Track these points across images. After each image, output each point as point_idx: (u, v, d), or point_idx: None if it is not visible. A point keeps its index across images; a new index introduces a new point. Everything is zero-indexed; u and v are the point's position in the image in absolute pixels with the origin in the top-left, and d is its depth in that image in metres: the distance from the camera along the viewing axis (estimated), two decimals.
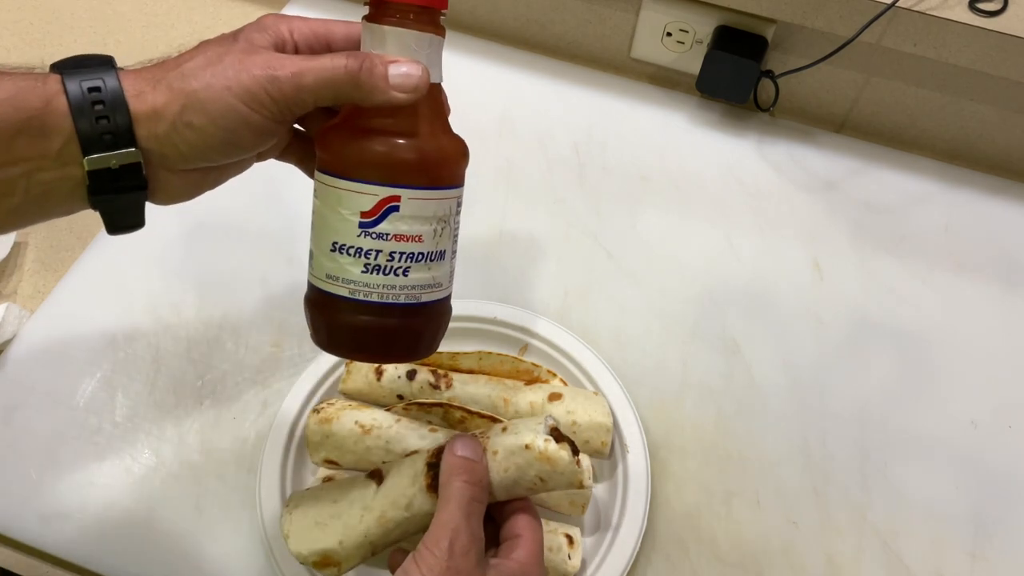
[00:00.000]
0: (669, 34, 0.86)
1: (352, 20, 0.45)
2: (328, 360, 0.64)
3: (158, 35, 0.91)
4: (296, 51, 0.44)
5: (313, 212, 0.45)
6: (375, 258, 0.43)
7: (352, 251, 0.43)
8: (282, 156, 0.50)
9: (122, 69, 0.41)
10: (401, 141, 0.43)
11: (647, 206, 0.80)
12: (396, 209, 0.43)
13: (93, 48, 0.89)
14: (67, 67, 0.40)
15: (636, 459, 0.60)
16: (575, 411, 0.60)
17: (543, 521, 0.56)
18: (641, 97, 0.90)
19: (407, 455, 0.54)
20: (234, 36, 0.42)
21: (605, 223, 0.78)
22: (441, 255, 0.46)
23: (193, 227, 0.74)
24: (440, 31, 0.44)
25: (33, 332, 0.67)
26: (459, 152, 0.46)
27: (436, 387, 0.62)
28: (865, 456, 0.65)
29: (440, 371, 0.62)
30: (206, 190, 0.45)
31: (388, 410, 0.61)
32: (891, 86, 0.84)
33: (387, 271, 0.43)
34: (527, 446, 0.48)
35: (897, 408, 0.68)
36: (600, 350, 0.66)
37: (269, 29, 0.43)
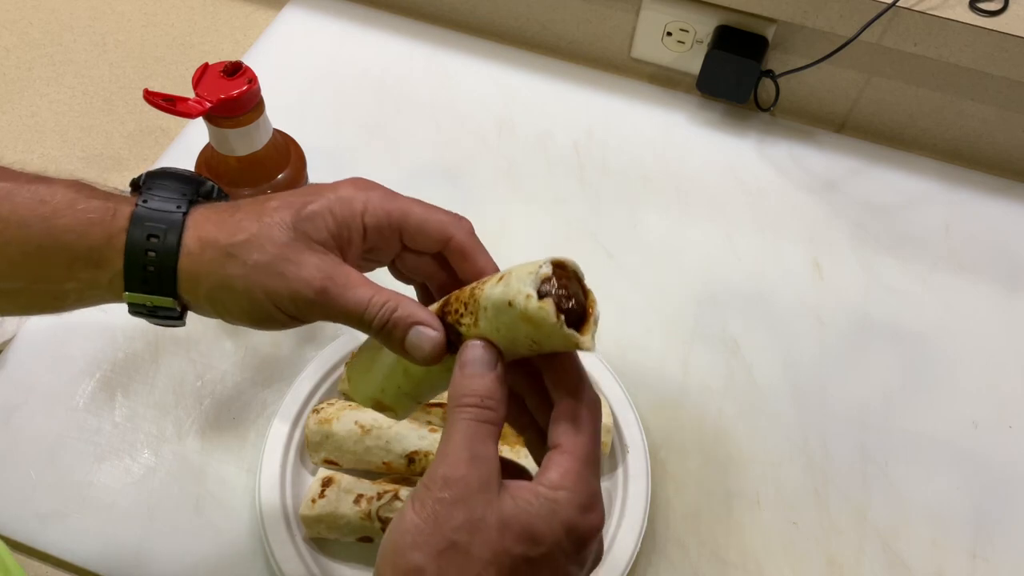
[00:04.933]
0: (669, 34, 0.86)
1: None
2: (328, 360, 0.64)
3: (158, 35, 0.91)
4: (364, 233, 0.41)
5: None
6: None
7: None
8: None
9: (202, 202, 0.41)
10: (270, 192, 0.54)
11: (647, 206, 0.80)
12: None
13: (92, 47, 0.89)
14: (150, 191, 0.41)
15: (636, 459, 0.60)
16: None
17: None
18: (641, 97, 0.90)
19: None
20: (299, 211, 0.40)
21: (605, 223, 0.78)
22: None
23: None
24: None
25: (33, 332, 0.67)
26: (302, 171, 0.64)
27: None
28: (865, 456, 0.65)
29: None
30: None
31: None
32: (892, 86, 0.83)
33: None
34: (510, 303, 0.37)
35: (897, 408, 0.68)
36: (600, 350, 0.66)
37: (337, 211, 0.40)
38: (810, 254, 0.77)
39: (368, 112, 0.85)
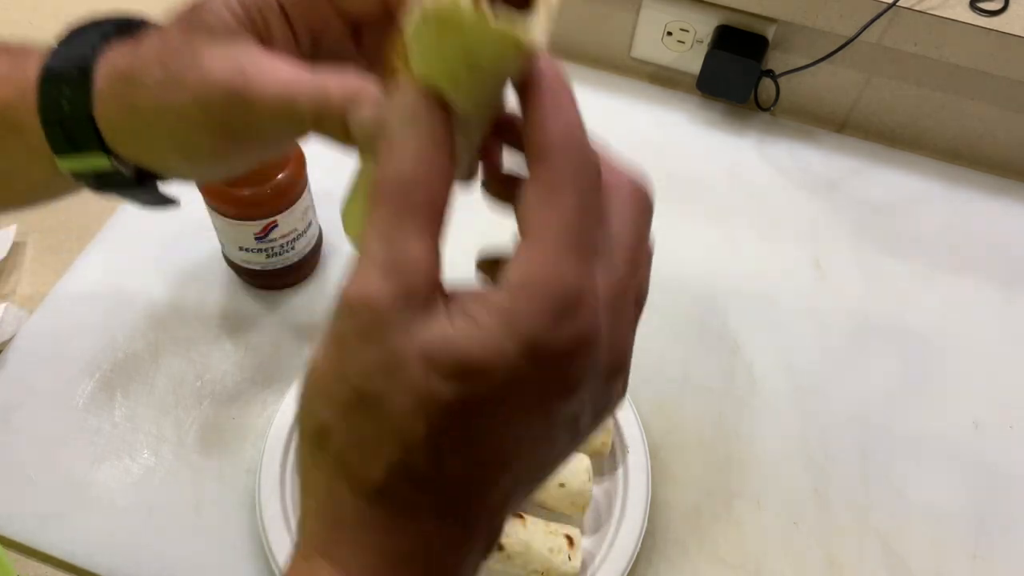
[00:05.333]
0: (670, 33, 0.86)
1: None
2: None
3: None
4: (281, 10, 0.33)
5: (216, 227, 0.65)
6: (268, 250, 0.65)
7: (254, 250, 0.65)
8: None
9: (110, 42, 0.34)
10: (270, 191, 0.61)
11: None
12: (276, 226, 0.64)
13: None
14: (67, 40, 0.35)
15: (636, 460, 0.60)
16: None
17: (542, 523, 0.56)
18: (641, 96, 0.90)
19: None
20: (194, 8, 0.32)
21: None
22: (308, 225, 0.67)
23: (192, 227, 0.74)
24: None
25: (32, 332, 0.67)
26: (302, 172, 0.64)
27: None
28: (866, 456, 0.65)
29: None
30: (239, 171, 0.36)
31: None
32: (892, 85, 0.83)
33: (280, 253, 0.66)
34: (422, 17, 0.25)
35: (898, 408, 0.68)
36: None
37: None
38: (810, 254, 0.77)
39: None
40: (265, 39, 0.32)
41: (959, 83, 0.81)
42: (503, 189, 0.31)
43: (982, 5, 0.74)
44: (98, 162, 0.34)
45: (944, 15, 0.73)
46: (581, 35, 0.91)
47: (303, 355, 0.67)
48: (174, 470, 0.61)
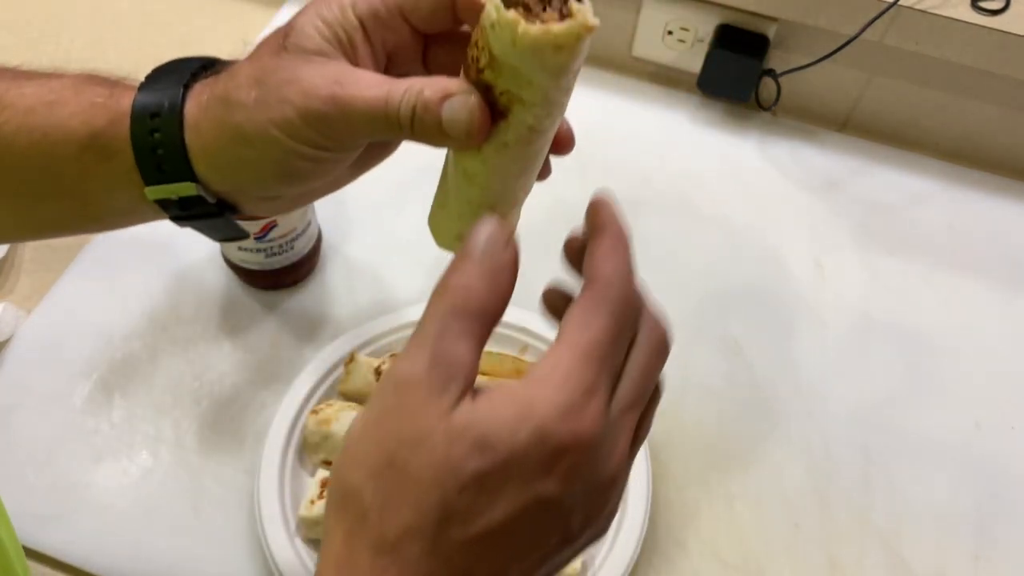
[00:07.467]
0: (670, 32, 0.85)
1: None
2: (327, 361, 0.63)
3: (157, 33, 0.91)
4: (363, 29, 0.36)
5: None
6: (267, 249, 0.65)
7: (253, 249, 0.65)
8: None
9: (197, 79, 0.38)
10: None
11: (648, 205, 0.80)
12: (275, 225, 0.63)
13: (91, 46, 0.89)
14: (154, 77, 0.38)
15: (636, 459, 0.60)
16: None
17: None
18: (642, 96, 0.89)
19: None
20: (285, 34, 0.36)
21: None
22: (308, 225, 0.67)
23: None
24: None
25: (30, 333, 0.67)
26: None
27: None
28: (867, 457, 0.65)
29: None
30: (304, 204, 0.40)
31: None
32: (893, 85, 0.83)
33: (278, 252, 0.66)
34: (491, 25, 0.31)
35: (899, 408, 0.68)
36: None
37: (324, 13, 0.35)
38: (812, 254, 0.77)
39: None
40: (350, 57, 0.35)
41: (960, 82, 0.81)
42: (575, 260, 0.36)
43: (983, 4, 0.74)
44: (185, 189, 0.37)
45: (945, 14, 0.73)
46: None
47: (302, 355, 0.66)
48: (172, 471, 0.61)
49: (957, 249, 0.78)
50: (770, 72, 0.83)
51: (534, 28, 0.30)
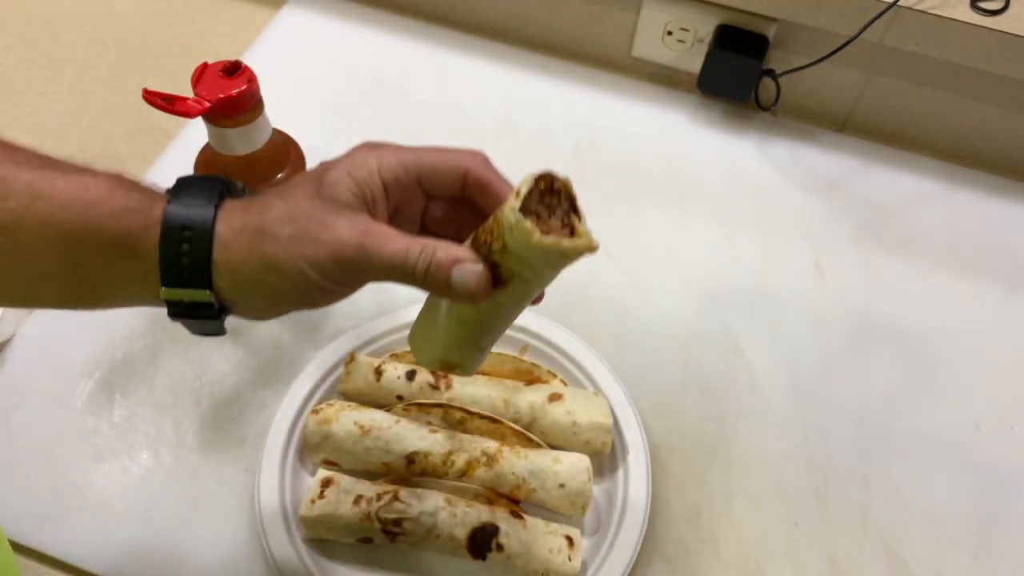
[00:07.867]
0: (670, 33, 0.85)
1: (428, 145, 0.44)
2: (327, 361, 0.63)
3: (157, 34, 0.91)
4: (385, 190, 0.42)
5: None
6: None
7: None
8: None
9: (226, 199, 0.42)
10: None
11: (648, 205, 0.80)
12: None
13: (91, 46, 0.89)
14: (181, 190, 0.42)
15: (637, 460, 0.60)
16: (575, 411, 0.60)
17: (542, 523, 0.56)
18: (642, 96, 0.89)
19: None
20: (319, 181, 0.41)
21: (606, 222, 0.77)
22: None
23: None
24: None
25: (31, 332, 0.67)
26: (301, 172, 0.64)
27: (436, 388, 0.62)
28: (867, 457, 0.65)
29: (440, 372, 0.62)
30: (283, 315, 0.45)
31: (387, 411, 0.60)
32: (893, 85, 0.83)
33: None
34: (509, 226, 0.38)
35: (899, 408, 0.68)
36: (600, 350, 0.66)
37: (354, 173, 0.42)
38: (811, 254, 0.77)
39: (367, 111, 0.85)
40: (371, 211, 0.42)
41: (960, 83, 0.81)
42: None
43: (983, 4, 0.74)
44: (199, 295, 0.41)
45: (945, 14, 0.73)
46: (581, 35, 0.91)
47: (302, 355, 0.66)
48: (173, 471, 0.61)
49: (956, 249, 0.79)
50: (770, 72, 0.83)
51: (548, 239, 0.37)
